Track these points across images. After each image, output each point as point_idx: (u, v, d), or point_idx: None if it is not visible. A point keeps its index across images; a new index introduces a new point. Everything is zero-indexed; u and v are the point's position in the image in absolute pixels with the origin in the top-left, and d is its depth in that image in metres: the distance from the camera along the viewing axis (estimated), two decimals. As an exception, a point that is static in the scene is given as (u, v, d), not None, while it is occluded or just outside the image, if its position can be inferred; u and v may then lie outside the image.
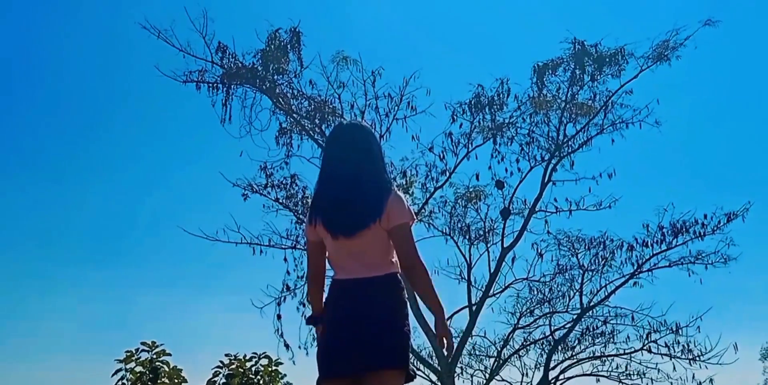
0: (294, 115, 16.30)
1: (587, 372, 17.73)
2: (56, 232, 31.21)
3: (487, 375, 17.95)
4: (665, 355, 16.75)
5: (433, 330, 4.04)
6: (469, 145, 16.69)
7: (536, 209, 16.87)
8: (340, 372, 3.78)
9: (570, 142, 16.88)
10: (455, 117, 16.62)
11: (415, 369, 3.83)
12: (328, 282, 4.05)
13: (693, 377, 16.59)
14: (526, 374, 18.14)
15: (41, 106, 32.37)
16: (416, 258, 3.77)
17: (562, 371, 17.69)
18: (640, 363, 17.24)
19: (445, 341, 3.87)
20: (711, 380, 16.59)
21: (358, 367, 3.72)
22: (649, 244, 16.74)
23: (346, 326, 3.79)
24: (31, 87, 32.79)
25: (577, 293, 17.37)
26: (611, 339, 17.51)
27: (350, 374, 3.76)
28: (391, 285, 3.85)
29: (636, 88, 16.68)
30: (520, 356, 18.19)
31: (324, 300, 4.00)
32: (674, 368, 16.63)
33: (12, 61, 31.76)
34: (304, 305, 15.72)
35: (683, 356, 16.56)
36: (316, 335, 4.19)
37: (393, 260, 3.88)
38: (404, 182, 16.26)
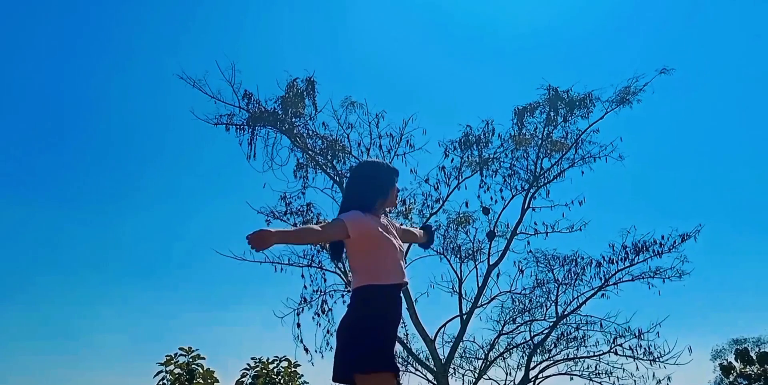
0: (309, 152, 16.42)
1: (562, 372, 17.69)
2: (107, 256, 31.61)
3: (476, 375, 17.89)
4: (629, 357, 16.77)
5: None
6: (460, 177, 16.84)
7: (517, 232, 16.98)
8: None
9: (546, 174, 16.98)
10: (447, 153, 16.80)
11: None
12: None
13: (653, 375, 16.65)
14: (510, 373, 18.10)
15: (93, 147, 32.91)
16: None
17: (541, 371, 17.63)
18: (608, 364, 17.23)
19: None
20: (669, 378, 16.66)
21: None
22: (614, 261, 16.79)
23: None
24: (84, 130, 33.37)
25: (553, 304, 17.35)
26: (583, 343, 17.48)
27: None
28: (353, 299, 3.95)
29: (602, 127, 16.80)
30: (504, 358, 18.09)
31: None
32: (637, 367, 16.71)
33: (70, 110, 32.39)
34: (319, 315, 15.81)
35: (645, 358, 16.59)
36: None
37: (363, 274, 3.91)
38: (404, 209, 16.33)
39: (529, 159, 16.99)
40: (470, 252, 17.31)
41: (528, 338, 17.79)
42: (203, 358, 11.52)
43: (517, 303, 17.81)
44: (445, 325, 17.19)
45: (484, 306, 17.44)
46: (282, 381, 11.98)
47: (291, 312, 15.77)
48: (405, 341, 16.62)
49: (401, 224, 4.53)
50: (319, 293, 15.95)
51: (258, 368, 12.06)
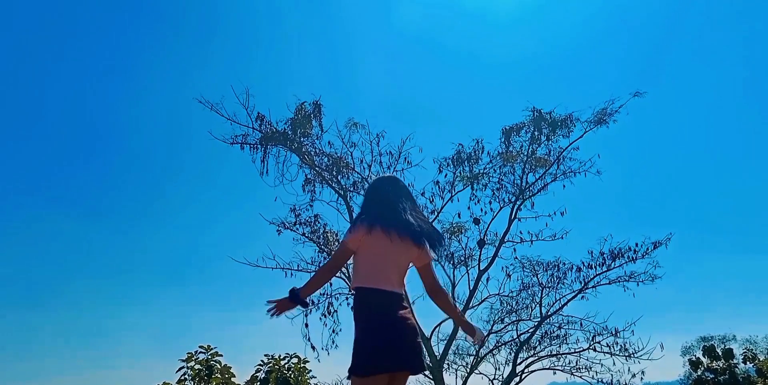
0: (316, 168, 16.54)
1: (546, 367, 17.85)
2: (133, 263, 32.26)
3: (468, 370, 18.13)
4: (607, 353, 16.90)
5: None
6: (453, 191, 16.88)
7: (505, 240, 17.06)
8: (403, 367, 3.90)
9: (531, 188, 17.06)
10: (441, 169, 16.89)
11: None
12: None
13: (629, 370, 16.82)
14: (498, 368, 18.30)
15: (121, 164, 33.62)
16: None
17: (527, 366, 17.80)
18: (587, 360, 17.37)
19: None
20: (642, 372, 16.91)
21: (409, 365, 3.91)
22: (593, 266, 16.90)
23: (404, 329, 3.97)
24: (113, 149, 34.07)
25: (538, 305, 17.52)
26: (564, 341, 17.64)
27: (408, 369, 3.92)
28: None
29: (582, 145, 16.89)
30: (493, 355, 18.27)
31: (363, 305, 3.97)
32: (614, 363, 16.88)
33: (101, 131, 33.15)
34: (325, 316, 15.92)
35: (621, 354, 16.71)
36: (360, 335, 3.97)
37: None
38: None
39: (516, 174, 17.12)
40: (462, 259, 17.40)
41: (515, 337, 17.95)
42: (221, 355, 11.77)
43: (505, 305, 17.96)
44: (440, 325, 17.51)
45: (475, 308, 17.61)
46: (292, 376, 12.27)
47: (300, 313, 15.81)
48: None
49: None
50: (325, 296, 16.07)
51: (270, 364, 12.34)
